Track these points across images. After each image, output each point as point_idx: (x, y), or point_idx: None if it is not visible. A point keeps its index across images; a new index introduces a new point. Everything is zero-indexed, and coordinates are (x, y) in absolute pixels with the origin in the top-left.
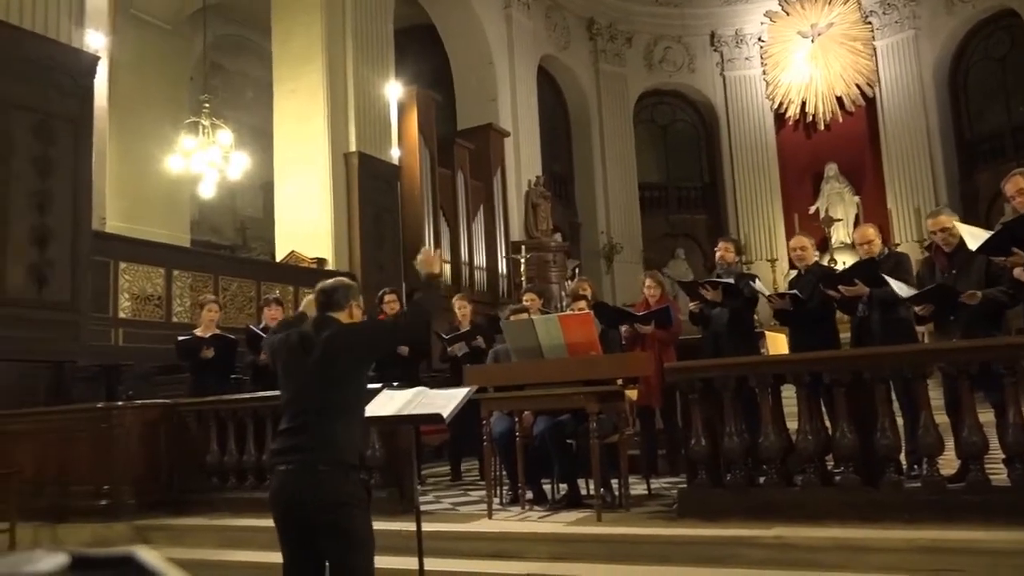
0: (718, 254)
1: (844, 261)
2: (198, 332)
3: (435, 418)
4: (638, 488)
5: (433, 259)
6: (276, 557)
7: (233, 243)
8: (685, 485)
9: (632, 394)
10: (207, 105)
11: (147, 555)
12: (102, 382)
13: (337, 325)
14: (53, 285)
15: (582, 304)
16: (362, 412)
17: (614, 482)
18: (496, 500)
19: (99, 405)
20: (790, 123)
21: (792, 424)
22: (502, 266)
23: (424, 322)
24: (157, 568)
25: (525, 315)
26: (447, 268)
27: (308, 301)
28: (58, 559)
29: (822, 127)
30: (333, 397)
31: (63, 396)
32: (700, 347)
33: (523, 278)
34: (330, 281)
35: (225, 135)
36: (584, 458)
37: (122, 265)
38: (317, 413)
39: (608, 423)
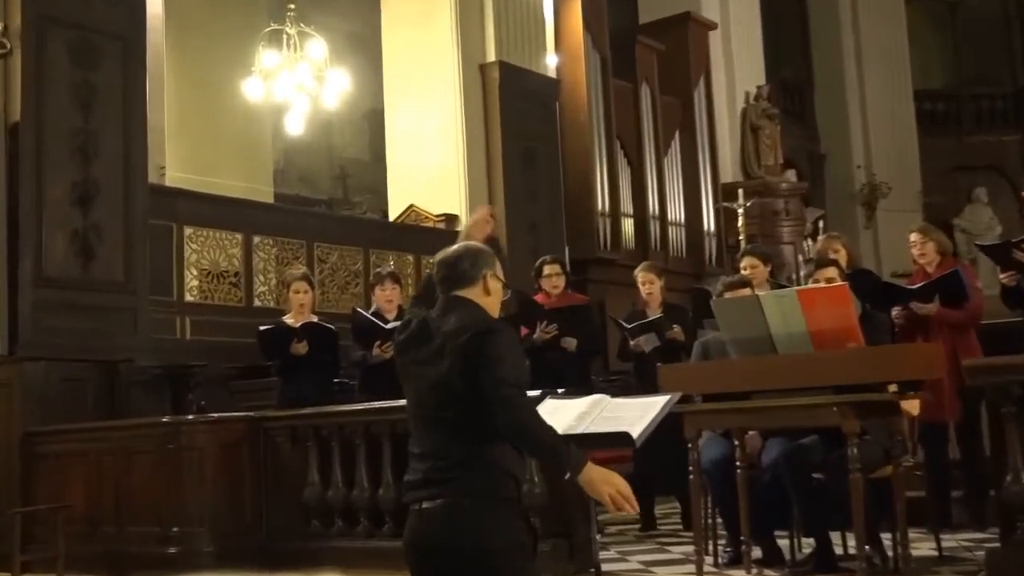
0: None
1: None
2: (287, 320)
3: (620, 439)
4: (922, 546)
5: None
6: None
7: (331, 197)
8: (997, 544)
9: (912, 406)
10: (292, 6)
11: None
12: (166, 388)
13: (467, 311)
14: (102, 259)
15: (831, 273)
16: None
17: (885, 537)
18: (708, 559)
19: (164, 420)
20: None
21: None
22: (709, 220)
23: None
24: None
25: (747, 291)
26: (628, 225)
27: (473, 222)
28: None
29: None
30: (471, 409)
31: (118, 407)
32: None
33: (741, 237)
34: (451, 249)
35: (317, 47)
36: (839, 500)
37: (188, 231)
38: (453, 431)
39: (875, 449)
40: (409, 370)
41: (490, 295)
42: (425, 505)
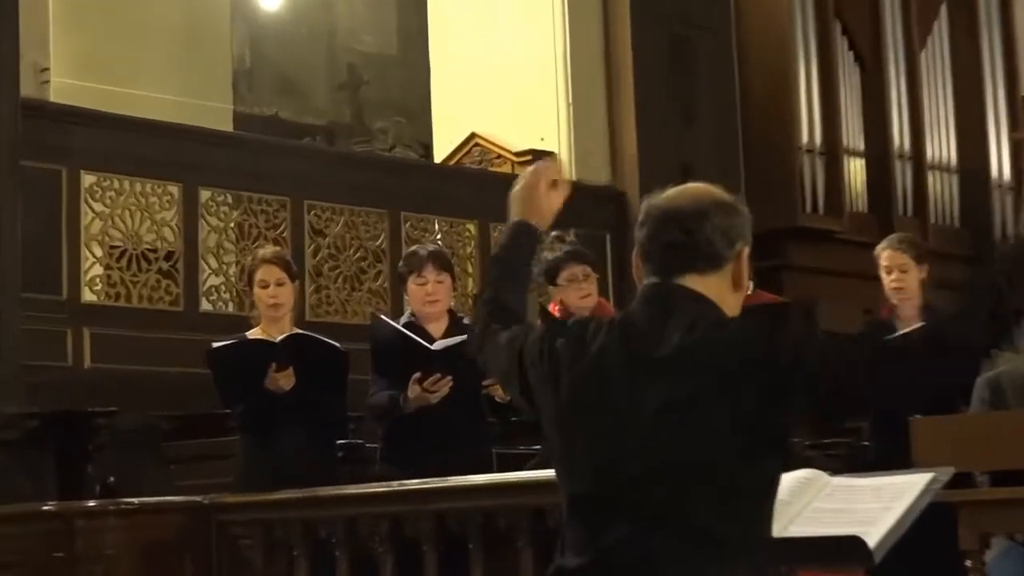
0: None
1: None
2: (254, 333)
3: (847, 550)
4: None
5: None
6: None
7: (332, 121)
8: None
9: None
10: None
11: None
12: (49, 453)
13: (708, 315)
14: None
15: None
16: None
17: None
18: None
19: (47, 507)
20: None
21: None
22: (1001, 162)
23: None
24: None
25: None
26: (856, 169)
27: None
28: None
29: None
30: (722, 482)
31: None
32: None
33: None
34: (683, 193)
35: None
36: None
37: (87, 179)
38: (672, 528)
39: None
40: (584, 413)
41: (739, 289)
42: None
